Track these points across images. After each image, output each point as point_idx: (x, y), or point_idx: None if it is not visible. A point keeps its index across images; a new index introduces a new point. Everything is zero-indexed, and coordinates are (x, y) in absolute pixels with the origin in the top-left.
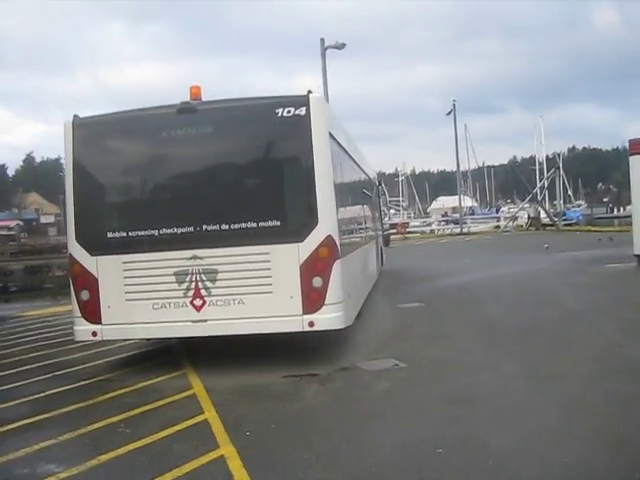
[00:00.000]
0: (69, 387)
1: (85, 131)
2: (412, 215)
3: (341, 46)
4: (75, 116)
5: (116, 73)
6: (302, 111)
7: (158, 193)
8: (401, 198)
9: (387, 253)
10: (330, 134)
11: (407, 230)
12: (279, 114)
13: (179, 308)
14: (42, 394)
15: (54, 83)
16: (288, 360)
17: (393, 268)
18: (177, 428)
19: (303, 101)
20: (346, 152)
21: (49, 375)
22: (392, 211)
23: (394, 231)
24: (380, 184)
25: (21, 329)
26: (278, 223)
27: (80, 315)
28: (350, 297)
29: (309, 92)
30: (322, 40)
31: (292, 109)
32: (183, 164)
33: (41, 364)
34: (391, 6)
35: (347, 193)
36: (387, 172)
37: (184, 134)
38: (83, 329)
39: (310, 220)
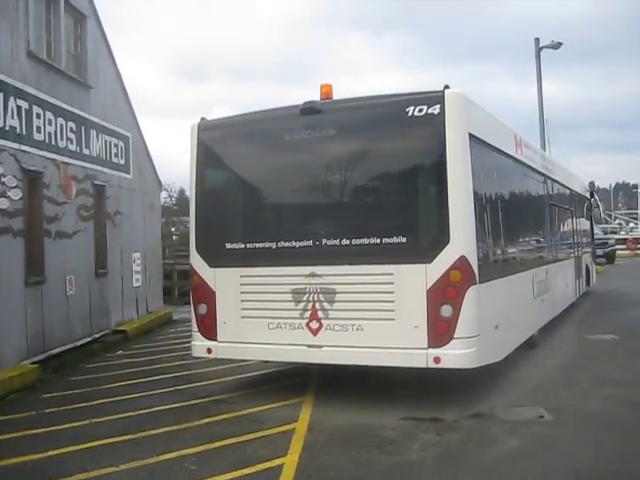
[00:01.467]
0: (178, 405)
1: (209, 135)
2: None
3: (557, 45)
4: (202, 119)
5: (356, 83)
6: (435, 110)
7: (277, 202)
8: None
9: (608, 272)
10: (472, 136)
11: (637, 246)
12: (410, 113)
13: (295, 330)
14: (149, 410)
15: (294, 93)
16: (419, 396)
17: (605, 289)
18: (245, 472)
19: (437, 98)
20: (510, 157)
21: (171, 389)
22: (631, 224)
23: (624, 247)
24: (593, 196)
25: (186, 333)
26: (404, 240)
27: (197, 330)
28: (496, 330)
29: (445, 87)
30: (536, 40)
31: (424, 107)
32: (304, 171)
33: (175, 375)
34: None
35: (507, 205)
36: (629, 182)
37: (307, 137)
38: (199, 345)
39: (440, 238)
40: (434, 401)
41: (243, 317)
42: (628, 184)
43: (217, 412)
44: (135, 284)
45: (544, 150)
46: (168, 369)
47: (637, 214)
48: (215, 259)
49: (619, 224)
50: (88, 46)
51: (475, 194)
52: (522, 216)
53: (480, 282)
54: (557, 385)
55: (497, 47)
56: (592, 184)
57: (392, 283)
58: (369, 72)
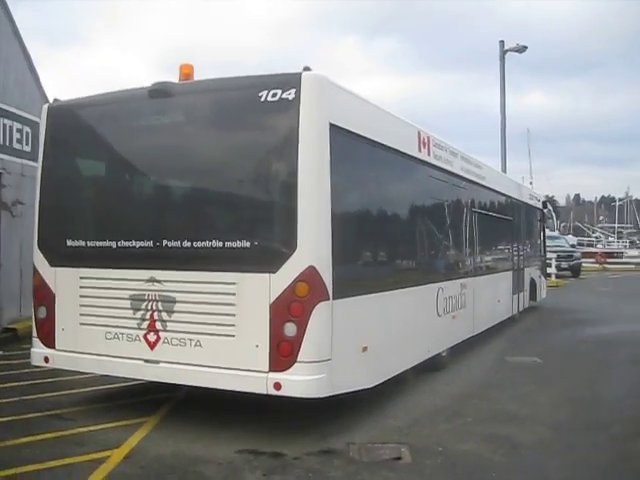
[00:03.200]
0: (8, 419)
1: (58, 119)
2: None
3: (521, 49)
4: (55, 100)
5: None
6: (290, 95)
7: (119, 196)
8: (616, 225)
9: (569, 285)
10: (336, 127)
11: (606, 260)
12: (263, 98)
13: (132, 342)
14: None
15: None
16: (276, 423)
17: (555, 304)
18: None
19: (293, 81)
20: (404, 155)
21: (16, 398)
22: (610, 238)
23: (593, 260)
24: (545, 207)
25: None
26: (247, 245)
27: (36, 335)
28: (364, 353)
29: (305, 69)
30: (501, 43)
31: (279, 92)
32: (148, 161)
33: (35, 382)
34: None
35: (393, 211)
36: (615, 196)
37: (155, 124)
38: (37, 352)
39: (286, 244)
40: (289, 430)
41: (81, 324)
42: (613, 198)
43: (41, 430)
44: None
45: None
46: (34, 375)
47: (614, 228)
48: (56, 258)
49: (596, 237)
50: None
51: (335, 195)
52: (420, 224)
53: (337, 297)
54: (440, 418)
55: (487, 55)
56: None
57: (234, 294)
58: (361, 76)
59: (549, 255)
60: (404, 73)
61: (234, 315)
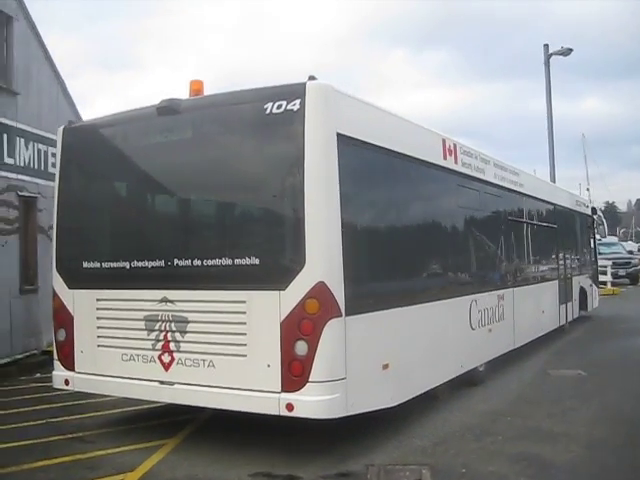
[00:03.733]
0: (32, 442)
1: (74, 140)
2: None
3: (566, 52)
4: (70, 122)
5: (399, 99)
6: (295, 105)
7: (132, 216)
8: None
9: (627, 294)
10: (345, 137)
11: None
12: (268, 111)
13: (147, 363)
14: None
15: None
16: (292, 445)
17: (609, 314)
18: None
19: (298, 91)
20: (427, 164)
21: (43, 421)
22: None
23: None
24: (595, 213)
25: None
26: (257, 262)
27: (57, 358)
28: (386, 371)
29: (310, 78)
30: (545, 47)
31: (284, 103)
32: (159, 180)
33: (62, 404)
34: None
35: (416, 222)
36: None
37: (163, 141)
38: (58, 375)
39: (295, 260)
40: (308, 451)
41: (99, 346)
42: None
43: (60, 453)
44: None
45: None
46: (65, 397)
47: None
48: (74, 280)
49: None
50: (15, 50)
51: (346, 207)
52: (448, 234)
53: (351, 313)
54: (469, 437)
55: (538, 61)
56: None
57: (244, 312)
58: (410, 89)
59: (604, 262)
60: (454, 84)
61: (245, 334)
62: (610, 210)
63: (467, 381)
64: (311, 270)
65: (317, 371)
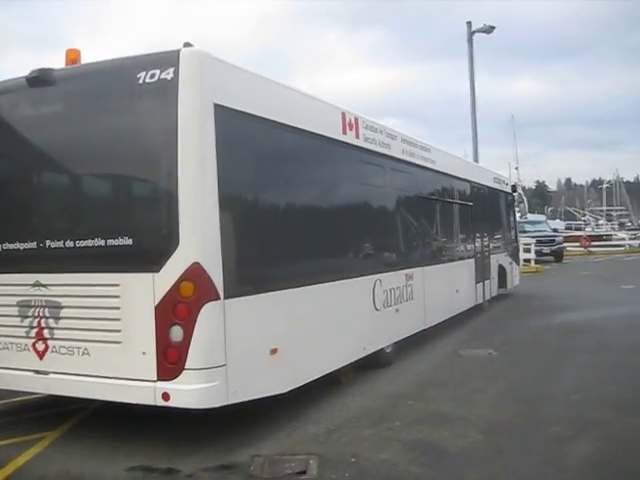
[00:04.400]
0: None
1: None
2: (631, 225)
3: (489, 29)
4: None
5: (333, 78)
6: (168, 74)
7: (6, 195)
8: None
9: (550, 271)
10: (224, 109)
11: (591, 244)
12: (141, 80)
13: (21, 352)
14: None
15: None
16: (184, 433)
17: (529, 291)
18: None
19: (171, 59)
20: (324, 138)
21: None
22: (600, 221)
23: (578, 244)
24: (515, 190)
25: None
26: (130, 242)
27: None
28: (274, 356)
29: (186, 45)
30: (468, 24)
31: (157, 72)
32: (30, 156)
33: None
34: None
35: (307, 198)
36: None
37: (35, 114)
38: None
39: (168, 239)
40: (195, 442)
41: None
42: (604, 181)
43: None
44: None
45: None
46: None
47: (602, 211)
48: None
49: (585, 221)
50: None
51: (226, 182)
52: (348, 212)
53: (232, 296)
54: (365, 422)
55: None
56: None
57: (118, 297)
58: (346, 68)
59: (528, 240)
60: (389, 64)
61: (119, 320)
62: (540, 189)
63: (374, 363)
64: (185, 250)
65: (193, 358)
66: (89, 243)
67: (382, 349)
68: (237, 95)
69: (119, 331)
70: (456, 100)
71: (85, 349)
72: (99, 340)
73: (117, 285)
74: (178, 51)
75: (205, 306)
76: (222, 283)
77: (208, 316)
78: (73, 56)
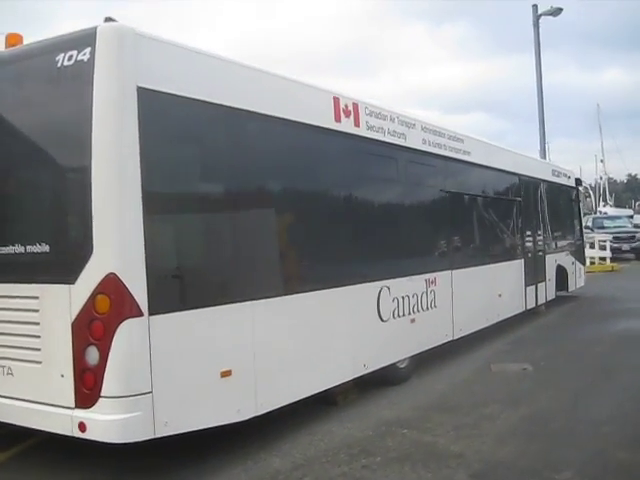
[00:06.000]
0: None
1: None
2: None
3: (556, 12)
4: None
5: (418, 73)
6: (85, 55)
7: None
8: None
9: (627, 270)
10: (150, 92)
11: None
12: (59, 64)
13: None
14: None
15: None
16: (126, 467)
17: (596, 293)
18: None
19: (88, 38)
20: (303, 126)
21: None
22: None
23: None
24: (579, 184)
25: None
26: (47, 249)
27: None
28: (228, 379)
29: (106, 20)
30: (534, 7)
31: (74, 53)
32: None
33: None
34: None
35: (273, 188)
36: None
37: None
38: None
39: (81, 246)
40: (138, 474)
41: None
42: None
43: None
44: None
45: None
46: None
47: None
48: None
49: None
50: None
51: (154, 180)
52: (348, 209)
53: (160, 312)
54: (342, 457)
55: (561, 35)
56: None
57: (37, 311)
58: (431, 63)
59: (603, 237)
60: (475, 58)
61: (39, 337)
62: (632, 182)
63: (385, 380)
64: (100, 259)
65: (109, 384)
66: (10, 250)
67: (393, 364)
68: (170, 76)
69: (39, 350)
70: (546, 94)
71: (9, 368)
72: (21, 359)
73: (36, 298)
74: (95, 28)
75: (123, 324)
76: (146, 297)
77: (127, 335)
78: (13, 41)
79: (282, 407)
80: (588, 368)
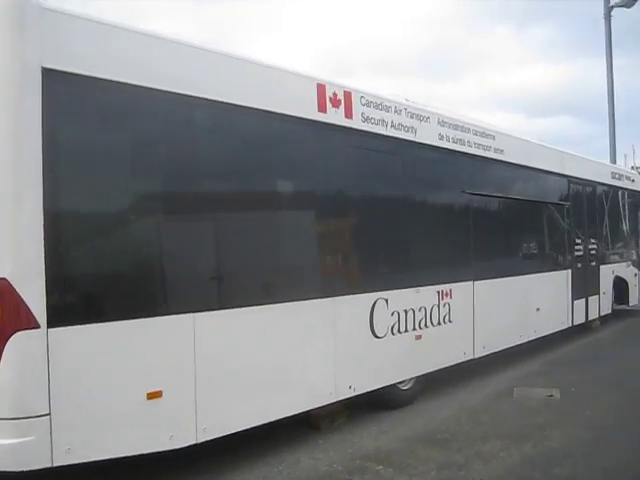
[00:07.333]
0: None
1: None
2: None
3: (630, 3)
4: None
5: (503, 76)
6: None
7: None
8: None
9: None
10: (59, 73)
11: None
12: None
13: None
14: None
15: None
16: None
17: None
18: None
19: None
20: (270, 114)
21: None
22: None
23: None
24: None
25: None
26: None
27: None
28: (154, 402)
29: None
30: None
31: None
32: None
33: None
34: None
35: (220, 186)
36: None
37: None
38: None
39: None
40: None
41: None
42: None
43: None
44: None
45: None
46: None
47: None
48: None
49: None
50: None
51: (60, 175)
52: (334, 211)
53: (62, 323)
54: None
55: None
56: None
57: None
58: (517, 65)
59: None
60: (560, 60)
61: None
62: None
63: (384, 403)
64: None
65: (5, 405)
66: None
67: (392, 386)
68: (83, 55)
69: None
70: (629, 95)
71: None
72: None
73: None
74: None
75: (14, 336)
76: (44, 306)
77: (18, 349)
78: None
79: (235, 433)
80: (626, 400)
